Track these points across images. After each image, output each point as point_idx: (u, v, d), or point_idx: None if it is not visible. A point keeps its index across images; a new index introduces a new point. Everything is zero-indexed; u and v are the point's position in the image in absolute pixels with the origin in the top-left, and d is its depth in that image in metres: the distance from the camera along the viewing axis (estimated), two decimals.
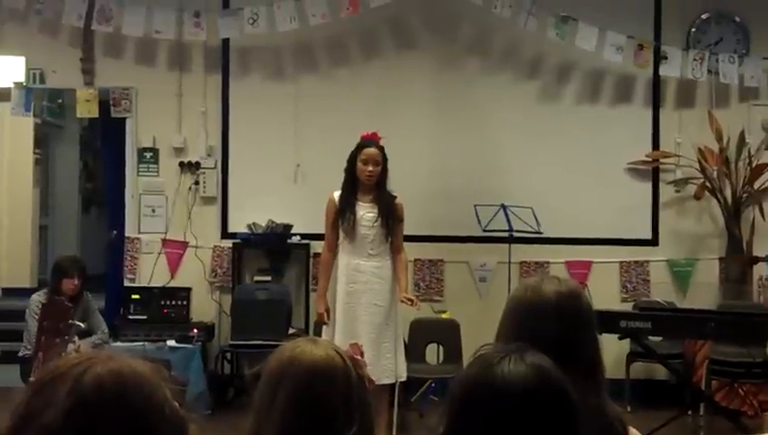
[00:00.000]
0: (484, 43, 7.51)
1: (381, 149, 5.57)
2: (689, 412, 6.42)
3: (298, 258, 7.45)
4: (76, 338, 5.06)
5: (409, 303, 5.52)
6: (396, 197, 5.62)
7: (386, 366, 5.50)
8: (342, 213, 5.53)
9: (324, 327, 5.55)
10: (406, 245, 5.73)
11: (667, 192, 7.51)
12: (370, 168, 5.50)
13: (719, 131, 7.26)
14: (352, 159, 5.57)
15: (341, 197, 5.56)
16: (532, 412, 1.41)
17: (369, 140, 5.60)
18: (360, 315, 5.49)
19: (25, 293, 7.22)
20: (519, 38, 7.38)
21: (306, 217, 7.17)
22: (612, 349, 6.08)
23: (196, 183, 7.49)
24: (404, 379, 5.77)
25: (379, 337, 5.47)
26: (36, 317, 5.81)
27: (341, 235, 5.55)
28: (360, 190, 5.56)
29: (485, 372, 1.44)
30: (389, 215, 5.54)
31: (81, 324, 5.18)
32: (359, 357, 1.77)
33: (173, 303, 7.16)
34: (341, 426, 1.65)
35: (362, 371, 1.74)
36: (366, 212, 5.53)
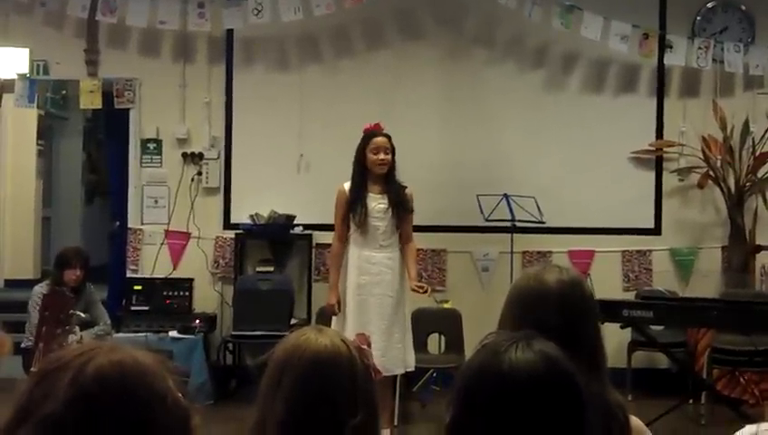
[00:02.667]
0: (489, 34, 7.50)
1: (389, 137, 5.59)
2: (690, 401, 6.42)
3: (300, 249, 7.46)
4: (77, 329, 5.06)
5: (421, 291, 5.55)
6: (406, 187, 5.63)
7: (396, 356, 5.53)
8: (353, 206, 5.53)
9: (334, 318, 5.57)
10: None
11: (670, 181, 7.50)
12: (382, 156, 5.51)
13: (723, 120, 7.25)
14: (361, 151, 5.57)
15: (352, 189, 5.56)
16: (539, 400, 1.40)
17: (377, 130, 5.62)
18: (372, 306, 5.50)
19: (28, 284, 7.24)
20: (524, 28, 7.36)
21: (309, 208, 7.19)
22: (614, 338, 6.08)
23: (199, 174, 7.50)
24: (412, 368, 5.80)
25: (389, 327, 5.50)
26: (38, 308, 5.84)
27: (352, 227, 5.56)
28: (370, 182, 5.56)
29: (493, 359, 1.44)
30: (400, 205, 5.55)
31: (81, 314, 5.19)
32: (365, 347, 1.78)
33: (175, 294, 7.17)
34: (345, 415, 1.65)
35: (368, 360, 1.74)
36: (377, 204, 5.54)
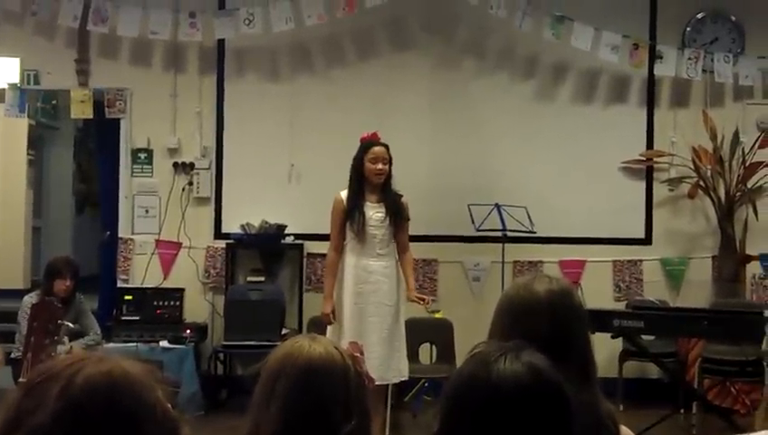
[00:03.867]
0: (479, 44, 7.52)
1: (387, 147, 5.60)
2: (682, 411, 6.43)
3: (291, 259, 7.45)
4: (66, 339, 5.04)
5: (421, 302, 5.56)
6: (402, 196, 5.64)
7: (395, 366, 5.52)
8: (351, 214, 5.53)
9: (329, 328, 5.56)
10: None
11: (660, 191, 7.52)
12: (380, 166, 5.52)
13: (713, 130, 7.28)
14: (359, 160, 5.57)
15: (349, 198, 5.56)
16: (526, 411, 1.40)
17: (375, 140, 5.63)
18: (370, 316, 5.50)
19: (18, 294, 7.19)
20: (514, 38, 7.38)
21: (300, 218, 7.19)
22: (605, 348, 6.09)
23: (190, 184, 7.49)
24: (406, 378, 5.80)
25: (390, 337, 5.50)
26: (27, 318, 5.81)
27: (349, 235, 5.55)
28: (367, 190, 5.57)
29: (481, 370, 1.44)
30: (397, 214, 5.56)
31: (70, 325, 5.16)
32: (358, 354, 1.78)
33: (166, 303, 7.15)
34: (339, 421, 1.66)
35: (361, 368, 1.75)
36: (374, 212, 5.54)
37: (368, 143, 5.59)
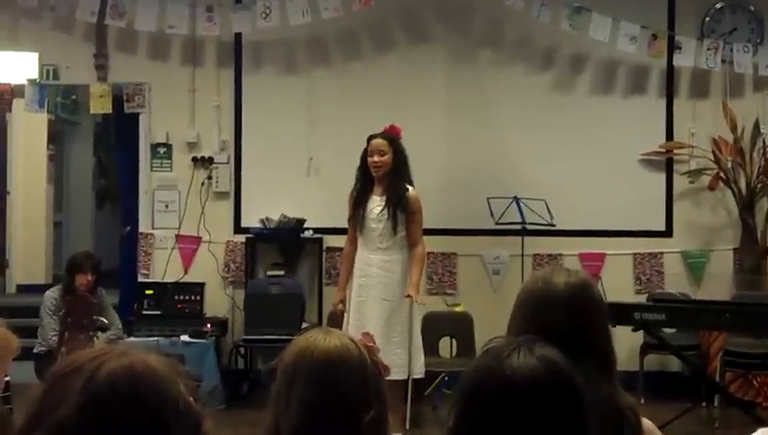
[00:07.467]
0: (496, 35, 7.49)
1: (389, 139, 5.61)
2: (703, 404, 6.40)
3: (311, 252, 7.46)
4: (99, 333, 5.09)
5: (407, 298, 5.56)
6: (408, 189, 5.63)
7: (395, 362, 5.49)
8: (356, 208, 5.62)
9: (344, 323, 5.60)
10: None
11: (680, 183, 7.47)
12: (375, 158, 5.58)
13: (733, 121, 7.22)
14: (363, 154, 5.67)
15: (355, 192, 5.65)
16: (540, 405, 1.40)
17: (376, 133, 5.67)
18: (369, 310, 5.53)
19: (40, 289, 7.24)
20: (532, 29, 7.35)
21: (319, 212, 7.20)
22: (625, 341, 6.07)
23: (209, 178, 7.50)
24: (420, 375, 5.78)
25: (387, 332, 5.49)
26: (50, 313, 5.85)
27: (358, 229, 5.63)
28: (375, 184, 5.62)
29: (494, 365, 1.44)
30: (397, 207, 5.55)
31: (104, 320, 5.20)
32: (372, 344, 1.79)
33: (186, 298, 7.18)
34: (359, 412, 1.67)
35: (376, 357, 1.76)
36: (375, 206, 5.58)
37: (369, 137, 5.66)
